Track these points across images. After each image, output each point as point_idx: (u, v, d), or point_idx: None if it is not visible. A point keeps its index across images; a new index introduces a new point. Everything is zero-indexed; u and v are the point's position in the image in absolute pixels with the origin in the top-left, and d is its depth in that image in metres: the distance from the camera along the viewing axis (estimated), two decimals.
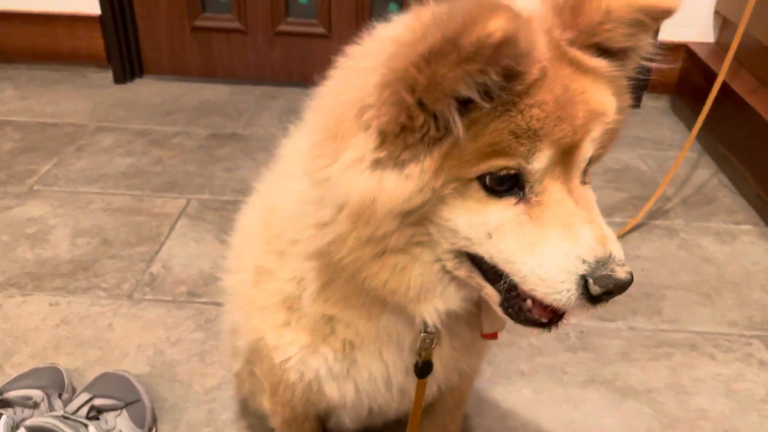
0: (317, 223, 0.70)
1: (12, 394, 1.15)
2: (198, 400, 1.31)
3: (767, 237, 1.90)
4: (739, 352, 1.47)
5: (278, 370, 0.89)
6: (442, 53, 0.56)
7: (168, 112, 2.58)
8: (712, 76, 1.98)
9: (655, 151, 2.38)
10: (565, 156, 0.64)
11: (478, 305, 0.79)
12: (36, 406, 1.14)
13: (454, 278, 0.72)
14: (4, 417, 1.05)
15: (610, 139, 0.71)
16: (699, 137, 2.30)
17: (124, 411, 1.17)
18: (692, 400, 1.35)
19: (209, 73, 2.86)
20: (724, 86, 2.01)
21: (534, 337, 1.49)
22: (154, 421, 1.24)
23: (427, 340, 0.81)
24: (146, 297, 1.58)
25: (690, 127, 2.25)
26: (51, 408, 1.13)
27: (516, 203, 0.64)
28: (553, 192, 0.64)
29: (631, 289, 1.85)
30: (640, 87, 2.69)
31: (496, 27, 0.53)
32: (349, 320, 0.82)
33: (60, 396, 1.17)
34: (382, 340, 0.83)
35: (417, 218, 0.66)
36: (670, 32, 2.49)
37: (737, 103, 2.13)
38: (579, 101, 0.63)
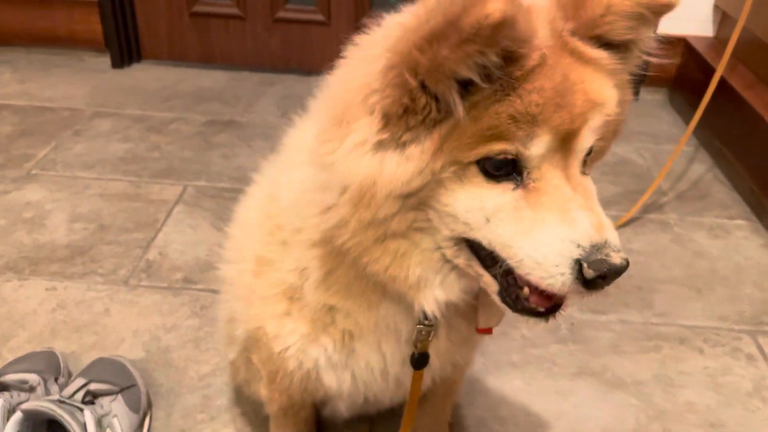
0: (321, 209, 0.72)
1: (9, 378, 1.16)
2: (193, 385, 1.33)
3: (760, 232, 1.91)
4: (728, 347, 1.49)
5: (277, 358, 0.90)
6: (444, 35, 0.58)
7: (166, 97, 2.58)
8: (710, 71, 1.98)
9: (651, 144, 2.39)
10: (564, 144, 0.65)
11: (477, 298, 0.80)
12: (32, 389, 1.15)
13: (454, 268, 0.72)
14: (0, 400, 1.07)
15: (612, 132, 0.72)
16: (696, 131, 2.31)
17: (120, 396, 1.19)
18: (679, 393, 1.37)
19: (207, 58, 2.86)
20: (722, 81, 2.01)
21: (526, 328, 1.51)
22: (149, 405, 1.26)
23: (423, 332, 0.82)
24: (142, 283, 1.59)
25: (687, 121, 2.25)
26: (47, 392, 1.14)
27: (514, 188, 0.65)
28: (551, 178, 0.65)
29: (624, 282, 1.85)
30: (639, 80, 2.68)
31: (494, 8, 0.55)
32: (349, 309, 0.83)
33: (56, 380, 1.19)
34: (381, 330, 0.84)
35: (417, 202, 0.67)
36: (669, 26, 2.47)
37: (734, 99, 2.14)
38: (578, 90, 0.64)
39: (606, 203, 2.20)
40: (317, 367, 0.88)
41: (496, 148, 0.63)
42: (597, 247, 0.62)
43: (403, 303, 0.78)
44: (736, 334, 1.53)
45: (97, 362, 1.27)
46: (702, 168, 2.25)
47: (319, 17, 2.73)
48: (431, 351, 0.86)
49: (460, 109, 0.62)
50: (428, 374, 0.91)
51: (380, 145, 0.65)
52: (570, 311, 1.56)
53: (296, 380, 0.92)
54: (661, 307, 1.60)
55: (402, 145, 0.64)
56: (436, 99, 0.62)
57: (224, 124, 2.39)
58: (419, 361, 0.85)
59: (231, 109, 2.51)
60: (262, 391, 1.06)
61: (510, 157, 0.64)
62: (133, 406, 1.19)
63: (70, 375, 1.28)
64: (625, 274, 0.64)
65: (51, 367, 1.25)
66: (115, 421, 1.14)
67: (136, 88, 2.64)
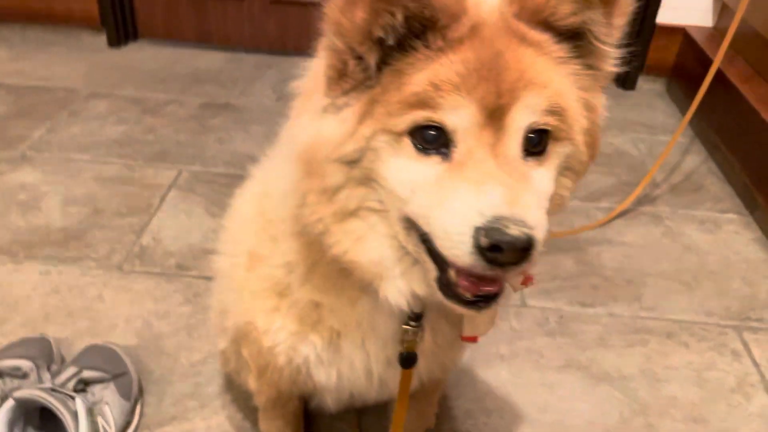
0: (292, 189, 0.74)
1: (2, 364, 1.18)
2: (184, 372, 1.34)
3: (751, 227, 1.92)
4: (713, 342, 1.51)
5: (267, 353, 0.92)
6: None
7: (162, 79, 2.56)
8: (707, 62, 1.97)
9: (647, 135, 2.39)
10: (493, 120, 0.64)
11: None
12: (25, 376, 1.17)
13: (417, 261, 0.72)
14: None
15: (588, 143, 0.72)
16: (692, 122, 2.31)
17: (111, 383, 1.21)
18: (664, 388, 1.39)
19: (204, 38, 2.84)
20: (719, 73, 2.00)
21: (515, 320, 1.53)
22: (141, 392, 1.28)
23: (410, 333, 0.83)
24: (136, 269, 1.60)
25: (684, 112, 2.25)
26: (40, 379, 1.16)
27: (441, 162, 0.66)
28: (476, 153, 0.64)
29: (614, 275, 1.85)
30: (637, 68, 2.68)
31: None
32: (333, 306, 0.84)
33: (49, 368, 1.20)
34: (364, 329, 0.85)
35: (361, 175, 0.68)
36: (668, 15, 2.48)
37: (730, 91, 2.13)
38: (513, 68, 0.65)
39: (599, 195, 2.19)
40: (307, 363, 0.89)
41: (421, 115, 0.64)
42: (499, 218, 0.60)
43: (377, 298, 0.77)
44: (722, 330, 1.55)
45: (89, 349, 1.29)
46: (696, 160, 2.25)
47: None
48: (418, 353, 0.87)
49: (373, 70, 0.65)
50: (416, 376, 0.92)
51: (324, 111, 0.69)
52: (558, 304, 1.57)
53: (286, 375, 0.94)
54: (649, 300, 1.62)
55: (338, 109, 0.68)
56: (363, 61, 0.66)
57: (220, 108, 2.39)
58: (407, 360, 0.86)
59: (227, 92, 2.50)
60: (251, 383, 1.07)
61: (434, 124, 0.65)
62: (124, 393, 1.21)
63: (63, 361, 1.30)
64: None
65: (44, 353, 1.26)
66: (106, 408, 1.16)
67: (132, 68, 2.63)
